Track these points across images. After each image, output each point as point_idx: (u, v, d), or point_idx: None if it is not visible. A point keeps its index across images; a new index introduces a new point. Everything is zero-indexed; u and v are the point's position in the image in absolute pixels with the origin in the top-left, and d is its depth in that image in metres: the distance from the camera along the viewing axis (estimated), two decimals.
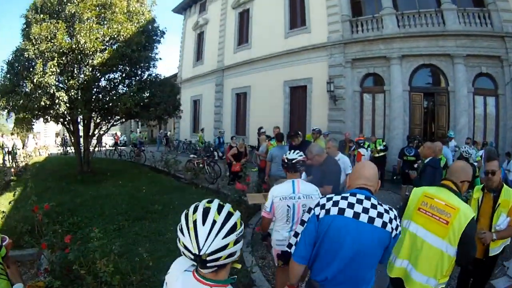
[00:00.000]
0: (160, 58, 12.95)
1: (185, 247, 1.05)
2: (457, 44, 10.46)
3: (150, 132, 32.62)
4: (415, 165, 6.93)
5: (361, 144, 8.89)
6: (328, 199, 1.77)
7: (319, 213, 1.73)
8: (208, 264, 1.05)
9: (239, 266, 1.20)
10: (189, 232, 1.05)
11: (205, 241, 1.02)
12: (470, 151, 6.30)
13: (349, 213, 1.67)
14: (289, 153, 2.97)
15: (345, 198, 1.73)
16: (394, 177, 9.78)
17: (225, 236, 1.05)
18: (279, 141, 6.52)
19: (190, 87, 21.00)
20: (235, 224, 1.09)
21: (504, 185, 2.81)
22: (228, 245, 1.05)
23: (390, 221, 1.68)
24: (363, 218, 1.66)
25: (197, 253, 1.02)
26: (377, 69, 11.65)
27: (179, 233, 1.08)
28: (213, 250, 1.02)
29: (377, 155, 9.67)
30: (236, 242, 1.08)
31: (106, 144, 23.56)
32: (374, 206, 1.70)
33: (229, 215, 1.09)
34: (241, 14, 17.08)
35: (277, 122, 13.82)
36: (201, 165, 10.40)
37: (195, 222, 1.05)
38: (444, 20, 10.63)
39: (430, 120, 11.42)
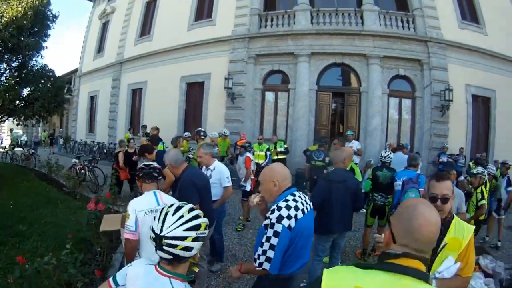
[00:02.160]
0: (46, 47, 10.21)
1: (152, 229, 1.20)
2: (374, 45, 9.47)
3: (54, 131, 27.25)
4: (325, 171, 5.47)
5: (247, 148, 6.66)
6: (288, 208, 1.75)
7: (290, 224, 1.71)
8: (164, 247, 1.15)
9: (196, 269, 1.37)
10: (159, 217, 1.20)
11: (169, 226, 1.16)
12: (390, 154, 4.64)
13: (303, 210, 1.81)
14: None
15: (295, 200, 1.81)
16: (304, 183, 8.03)
17: (186, 229, 1.17)
18: (155, 145, 5.32)
19: (88, 82, 17.16)
20: (199, 225, 1.21)
21: (455, 216, 1.81)
22: (187, 238, 1.16)
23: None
24: (307, 208, 1.86)
25: (158, 233, 1.16)
26: (283, 66, 9.90)
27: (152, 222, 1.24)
28: (172, 236, 1.14)
29: (276, 157, 7.97)
30: (195, 239, 1.17)
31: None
32: (302, 196, 1.90)
33: (197, 216, 1.22)
34: (149, 3, 14.26)
35: (171, 121, 11.30)
36: (82, 171, 8.76)
37: (167, 212, 1.21)
38: (364, 20, 9.65)
39: (339, 121, 10.10)
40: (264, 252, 1.70)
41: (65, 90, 11.21)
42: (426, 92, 9.57)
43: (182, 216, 1.18)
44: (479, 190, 4.32)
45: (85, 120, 17.25)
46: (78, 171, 8.86)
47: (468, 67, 10.21)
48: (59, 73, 14.38)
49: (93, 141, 15.26)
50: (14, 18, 8.38)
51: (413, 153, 8.37)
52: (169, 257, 1.15)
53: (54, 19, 10.15)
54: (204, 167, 3.75)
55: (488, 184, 4.85)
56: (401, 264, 0.90)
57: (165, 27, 12.81)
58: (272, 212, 1.74)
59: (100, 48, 16.79)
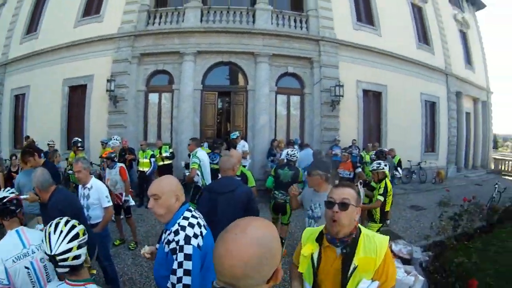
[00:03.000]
0: None
1: (45, 252, 1.39)
2: (264, 43, 9.09)
3: None
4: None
5: (114, 158, 5.61)
6: (191, 225, 1.55)
7: (198, 243, 1.53)
8: (59, 263, 1.36)
9: (94, 271, 1.76)
10: (45, 240, 1.39)
11: (55, 244, 1.37)
12: (296, 153, 4.79)
13: (204, 225, 1.65)
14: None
15: (194, 216, 1.63)
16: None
17: (69, 241, 1.39)
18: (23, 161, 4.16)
19: None
20: (78, 233, 1.44)
21: (362, 229, 1.50)
22: (72, 249, 1.39)
23: None
24: (205, 224, 1.69)
25: (50, 253, 1.36)
26: (168, 66, 9.09)
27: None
28: (61, 251, 1.36)
29: (161, 163, 7.35)
30: (79, 247, 1.41)
31: None
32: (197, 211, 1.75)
33: (73, 227, 1.46)
34: None
35: (54, 129, 9.89)
36: None
37: (49, 232, 1.41)
38: (255, 19, 9.22)
39: (226, 121, 9.65)
40: (179, 279, 1.44)
41: None
42: (315, 88, 9.47)
43: (61, 232, 1.41)
44: (382, 184, 4.03)
45: None
46: None
47: (360, 64, 10.41)
48: None
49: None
50: None
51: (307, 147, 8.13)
52: (67, 269, 1.38)
53: None
54: (80, 186, 3.31)
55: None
56: None
57: (52, 23, 11.14)
58: (176, 233, 1.49)
59: None
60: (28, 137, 9.05)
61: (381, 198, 3.89)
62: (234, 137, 7.49)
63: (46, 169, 2.64)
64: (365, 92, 10.44)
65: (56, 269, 1.37)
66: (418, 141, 11.97)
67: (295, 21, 9.67)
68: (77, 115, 9.86)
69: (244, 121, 9.11)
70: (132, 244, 4.71)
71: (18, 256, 1.78)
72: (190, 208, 1.65)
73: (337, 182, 3.95)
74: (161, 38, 9.22)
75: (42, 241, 1.40)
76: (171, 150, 7.61)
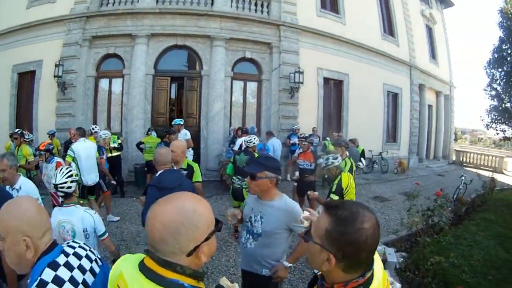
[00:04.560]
0: None
1: (51, 183, 2.54)
2: (221, 27, 8.53)
3: None
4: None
5: (51, 151, 4.98)
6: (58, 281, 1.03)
7: None
8: (59, 189, 2.22)
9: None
10: (54, 176, 2.29)
11: (58, 178, 2.24)
12: (253, 140, 4.56)
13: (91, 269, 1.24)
14: None
15: (68, 266, 1.09)
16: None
17: (67, 177, 2.26)
18: None
19: None
20: (72, 174, 2.30)
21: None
22: (67, 182, 2.24)
23: None
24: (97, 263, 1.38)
25: (54, 183, 2.24)
26: (119, 49, 8.45)
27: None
28: (60, 182, 2.23)
29: (110, 154, 6.55)
30: (71, 181, 2.27)
31: None
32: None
33: (70, 170, 2.33)
34: None
35: (2, 120, 9.13)
36: None
37: (56, 172, 2.31)
38: (214, 1, 8.62)
39: (178, 108, 9.14)
40: None
41: None
42: (274, 74, 9.07)
43: (62, 172, 2.29)
44: (336, 180, 3.50)
45: None
46: None
47: (322, 51, 10.08)
48: None
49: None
50: None
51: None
52: (63, 194, 2.25)
53: None
54: (8, 187, 2.67)
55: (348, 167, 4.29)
56: (146, 265, 0.81)
57: (5, 4, 10.26)
58: None
59: None
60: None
61: (335, 197, 3.37)
62: (176, 123, 6.74)
63: None
64: (326, 80, 10.15)
65: (56, 192, 2.30)
66: (379, 131, 11.86)
67: (256, 4, 9.16)
68: (27, 104, 9.10)
69: (198, 108, 8.59)
70: None
71: None
72: (66, 250, 1.09)
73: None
74: (113, 20, 8.55)
75: (53, 176, 2.33)
76: (119, 141, 6.91)
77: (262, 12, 9.28)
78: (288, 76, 8.96)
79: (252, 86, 9.17)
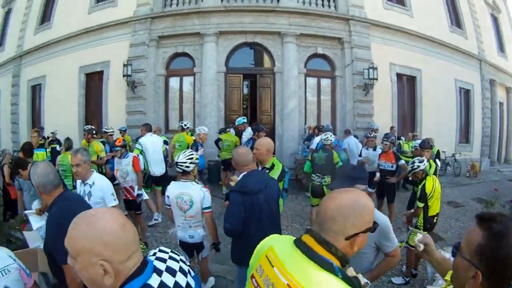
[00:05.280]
0: None
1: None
2: (290, 22, 8.07)
3: None
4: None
5: (126, 147, 4.66)
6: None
7: None
8: (178, 166, 2.55)
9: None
10: (178, 156, 2.62)
11: (180, 157, 2.57)
12: (330, 137, 4.66)
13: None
14: None
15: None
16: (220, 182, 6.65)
17: (188, 159, 2.55)
18: (26, 155, 4.01)
19: None
20: (192, 157, 2.59)
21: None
22: (186, 162, 2.54)
23: None
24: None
25: (176, 161, 2.59)
26: (188, 48, 8.19)
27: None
28: (180, 161, 2.54)
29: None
30: (190, 163, 2.56)
31: None
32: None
33: (192, 153, 2.64)
34: None
35: (72, 119, 9.17)
36: None
37: (179, 154, 2.64)
38: None
39: (252, 105, 8.74)
40: None
41: None
42: (347, 71, 8.41)
43: (186, 154, 2.57)
44: (420, 186, 3.33)
45: None
46: None
47: (392, 46, 9.33)
48: None
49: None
50: None
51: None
52: (181, 171, 2.57)
53: None
54: (79, 182, 2.73)
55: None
56: (303, 241, 0.91)
57: (66, 11, 10.41)
58: None
59: (1, 41, 13.77)
60: (42, 128, 8.29)
61: (420, 205, 3.26)
62: (240, 123, 6.29)
63: (52, 165, 1.95)
64: (399, 76, 9.32)
65: (176, 169, 2.64)
66: (452, 130, 10.77)
67: None
68: (95, 103, 9.08)
69: (272, 106, 8.13)
70: (142, 245, 3.79)
71: None
72: (158, 261, 0.92)
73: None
74: (179, 19, 8.32)
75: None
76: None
77: (329, 6, 8.70)
78: (362, 72, 8.26)
79: (325, 83, 8.59)
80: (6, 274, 1.38)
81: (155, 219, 4.88)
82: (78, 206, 1.78)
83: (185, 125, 6.04)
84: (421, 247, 1.29)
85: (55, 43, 10.25)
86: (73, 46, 9.71)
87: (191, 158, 2.56)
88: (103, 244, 0.75)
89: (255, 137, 5.49)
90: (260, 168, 2.65)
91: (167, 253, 0.98)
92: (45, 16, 11.45)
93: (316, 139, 6.15)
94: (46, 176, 1.76)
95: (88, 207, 1.94)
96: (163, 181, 5.05)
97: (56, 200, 1.77)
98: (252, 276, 1.02)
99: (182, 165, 2.53)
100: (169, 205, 2.63)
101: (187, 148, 5.20)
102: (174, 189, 2.56)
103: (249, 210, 2.02)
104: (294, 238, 0.95)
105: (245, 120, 6.32)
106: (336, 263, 0.84)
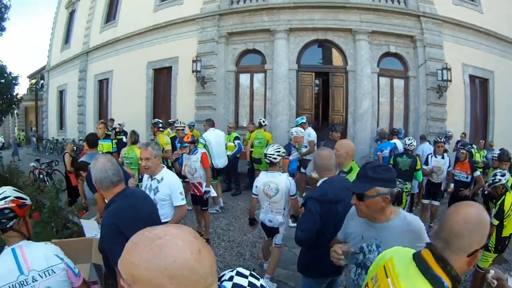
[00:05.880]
0: None
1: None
2: (361, 19, 7.81)
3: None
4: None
5: (195, 142, 4.35)
6: None
7: None
8: (267, 157, 2.85)
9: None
10: (267, 149, 3.01)
11: (269, 149, 2.88)
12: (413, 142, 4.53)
13: None
14: None
15: None
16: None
17: (275, 151, 2.85)
18: (90, 146, 3.70)
19: (57, 76, 15.05)
20: (280, 151, 2.86)
21: None
22: (274, 154, 2.83)
23: None
24: None
25: (265, 153, 2.90)
26: (258, 45, 8.17)
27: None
28: (269, 153, 2.84)
29: (251, 149, 6.28)
30: (278, 155, 2.84)
31: None
32: None
33: (280, 148, 2.92)
34: None
35: (140, 112, 9.53)
36: (41, 176, 7.37)
37: (269, 146, 3.01)
38: None
39: (324, 105, 8.46)
40: None
41: (17, 87, 9.14)
42: (420, 71, 7.97)
43: (274, 148, 2.87)
44: (499, 202, 3.01)
45: (55, 116, 15.16)
46: (37, 176, 7.39)
47: (465, 45, 8.72)
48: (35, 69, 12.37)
49: (63, 139, 13.31)
50: None
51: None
52: (269, 162, 2.84)
53: (6, 10, 8.48)
54: (147, 176, 2.59)
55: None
56: (422, 256, 0.93)
57: (130, 10, 10.88)
58: None
59: (67, 39, 14.69)
60: (112, 120, 8.68)
61: (495, 222, 2.92)
62: (299, 123, 5.87)
63: (113, 160, 1.74)
64: (471, 78, 8.73)
65: (265, 159, 2.92)
66: None
67: None
68: (163, 97, 9.37)
69: (344, 106, 7.89)
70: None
71: (13, 285, 1.24)
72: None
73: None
74: (248, 16, 8.33)
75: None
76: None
77: (399, 2, 8.29)
78: (435, 73, 7.82)
79: (398, 83, 8.20)
80: (49, 275, 1.30)
81: (216, 210, 5.06)
82: (140, 205, 1.69)
83: (263, 121, 6.02)
84: (495, 283, 1.24)
85: (121, 40, 10.73)
86: (140, 42, 10.09)
87: (279, 151, 2.88)
88: (169, 277, 0.55)
89: (330, 137, 5.32)
90: (337, 172, 2.43)
91: (246, 277, 0.79)
92: (110, 16, 12.03)
93: (396, 143, 5.82)
94: (104, 172, 1.62)
95: (152, 207, 1.84)
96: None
97: (115, 198, 1.63)
98: (366, 285, 1.07)
99: (270, 157, 2.85)
100: (256, 195, 2.91)
101: (266, 144, 5.16)
102: (262, 178, 2.87)
103: (325, 220, 1.83)
104: (415, 251, 0.96)
105: (304, 120, 5.88)
106: (447, 282, 0.85)
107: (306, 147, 5.55)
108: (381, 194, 1.36)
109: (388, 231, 1.39)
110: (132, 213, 1.56)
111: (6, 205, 1.31)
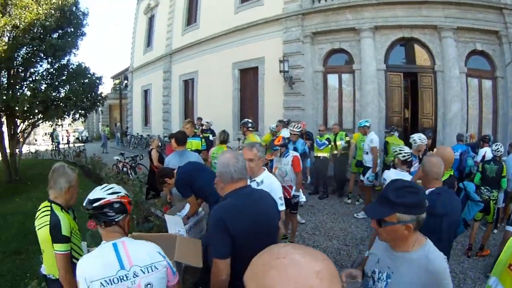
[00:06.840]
0: (77, 46, 9.73)
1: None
2: (445, 14, 7.37)
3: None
4: None
5: (287, 144, 4.23)
6: None
7: None
8: (401, 156, 3.26)
9: None
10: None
11: (406, 150, 3.28)
12: (500, 148, 4.37)
13: None
14: (95, 191, 1.36)
15: None
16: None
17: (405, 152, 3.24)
18: (178, 143, 3.66)
19: (140, 76, 16.90)
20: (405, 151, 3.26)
21: None
22: (405, 156, 3.23)
23: None
24: None
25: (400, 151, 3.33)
26: (344, 44, 8.22)
27: None
28: (406, 152, 3.23)
29: (335, 152, 6.29)
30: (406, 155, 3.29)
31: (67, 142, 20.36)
32: None
33: (404, 148, 3.41)
34: None
35: (226, 111, 10.39)
36: (124, 169, 8.12)
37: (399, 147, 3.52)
38: None
39: (413, 107, 8.21)
40: None
41: (101, 87, 10.46)
42: (508, 71, 7.24)
43: (401, 147, 3.35)
44: None
45: (140, 113, 17.13)
46: (120, 169, 8.14)
47: None
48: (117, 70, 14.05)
49: (148, 135, 15.04)
50: (35, 21, 7.80)
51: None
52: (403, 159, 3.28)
53: (84, 17, 9.65)
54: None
55: None
56: None
57: (211, 13, 11.62)
58: None
59: (149, 42, 16.26)
60: (200, 118, 9.43)
61: None
62: (361, 125, 5.60)
63: (240, 158, 1.70)
64: None
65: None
66: None
67: None
68: (250, 97, 10.04)
69: (433, 109, 7.59)
70: None
71: (109, 280, 1.23)
72: None
73: None
74: (331, 15, 8.38)
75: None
76: (347, 139, 6.41)
77: None
78: None
79: (486, 84, 7.64)
80: (152, 271, 1.29)
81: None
82: (249, 198, 1.61)
83: (366, 121, 5.80)
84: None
85: (205, 42, 11.59)
86: (224, 44, 10.81)
87: (407, 153, 3.27)
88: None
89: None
90: None
91: None
92: (190, 19, 12.99)
93: (482, 151, 5.47)
94: (226, 166, 1.59)
95: (271, 207, 1.73)
96: None
97: (229, 194, 1.60)
98: (510, 266, 1.22)
99: (405, 156, 3.23)
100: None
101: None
102: (391, 175, 3.00)
103: (428, 234, 1.48)
104: None
105: (368, 124, 5.56)
106: None
107: (367, 153, 5.35)
108: (402, 221, 1.18)
109: (405, 263, 1.22)
110: (241, 209, 1.53)
111: (119, 199, 1.35)
